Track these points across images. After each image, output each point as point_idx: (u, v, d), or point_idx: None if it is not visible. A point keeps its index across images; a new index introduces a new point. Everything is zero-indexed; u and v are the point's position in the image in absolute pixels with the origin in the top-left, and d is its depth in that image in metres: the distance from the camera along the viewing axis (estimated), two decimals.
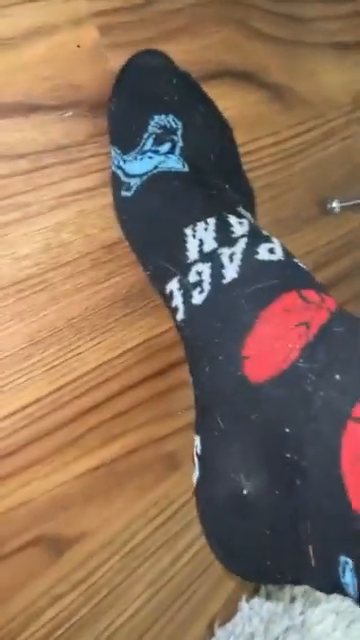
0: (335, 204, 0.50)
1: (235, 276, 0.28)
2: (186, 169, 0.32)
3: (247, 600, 0.48)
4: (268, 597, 0.49)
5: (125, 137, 0.34)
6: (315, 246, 0.50)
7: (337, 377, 0.23)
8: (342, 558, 0.23)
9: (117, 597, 0.38)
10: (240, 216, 0.31)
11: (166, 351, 0.40)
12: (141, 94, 0.34)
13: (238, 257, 0.28)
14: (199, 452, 0.30)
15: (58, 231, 0.34)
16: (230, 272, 0.28)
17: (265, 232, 0.31)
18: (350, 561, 0.23)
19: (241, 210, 0.32)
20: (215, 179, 0.33)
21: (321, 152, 0.50)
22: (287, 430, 0.24)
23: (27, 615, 0.34)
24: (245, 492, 0.26)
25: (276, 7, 0.47)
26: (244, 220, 0.31)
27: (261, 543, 0.27)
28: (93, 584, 0.36)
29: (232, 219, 0.30)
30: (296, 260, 0.29)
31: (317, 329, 0.25)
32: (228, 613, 0.46)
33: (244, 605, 0.47)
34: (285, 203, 0.47)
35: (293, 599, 0.50)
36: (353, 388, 0.22)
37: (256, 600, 0.49)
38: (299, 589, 0.51)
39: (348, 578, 0.23)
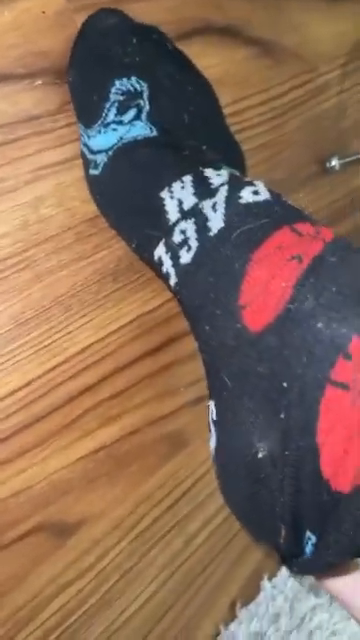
0: (334, 162, 0.47)
1: (222, 225, 0.26)
2: (154, 133, 0.30)
3: (270, 579, 0.46)
4: (291, 575, 0.48)
5: (86, 110, 0.32)
6: (317, 206, 0.48)
7: (319, 325, 0.21)
8: (308, 533, 0.22)
9: (129, 583, 0.37)
10: (218, 168, 0.29)
11: (163, 326, 0.38)
12: (97, 60, 0.32)
13: (221, 205, 0.26)
14: (214, 417, 0.28)
15: (36, 206, 0.32)
16: (216, 222, 0.26)
17: (247, 179, 0.29)
18: (313, 537, 0.22)
19: (222, 166, 0.30)
20: (190, 140, 0.31)
21: (316, 108, 0.48)
22: (285, 385, 0.22)
23: (35, 604, 0.33)
24: (260, 455, 0.24)
25: None
26: (222, 171, 0.29)
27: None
28: (102, 570, 0.35)
29: (209, 172, 0.28)
30: (285, 199, 0.27)
31: (310, 260, 0.23)
32: (250, 593, 0.45)
33: (267, 584, 0.46)
34: (281, 163, 0.44)
35: None
36: (335, 339, 0.20)
37: (279, 578, 0.47)
38: None
39: (311, 555, 0.22)
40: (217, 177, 0.28)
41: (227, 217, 0.26)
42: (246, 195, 0.26)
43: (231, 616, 0.43)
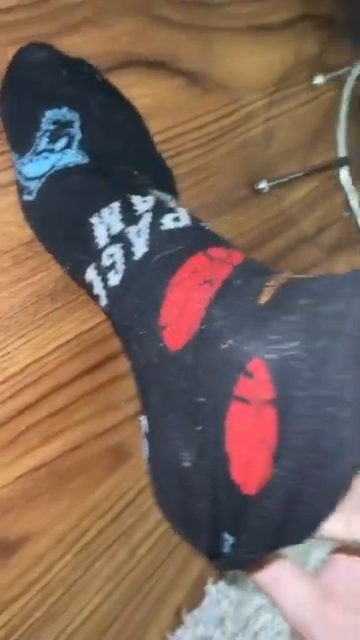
0: (263, 184, 0.51)
1: (145, 250, 0.28)
2: (86, 160, 0.32)
3: (214, 583, 0.48)
4: (235, 579, 0.49)
5: (18, 139, 0.33)
6: (248, 227, 0.51)
7: (225, 345, 0.23)
8: (226, 535, 0.24)
9: (74, 596, 0.37)
10: (145, 194, 0.31)
11: (101, 344, 0.39)
12: (29, 91, 0.33)
13: (145, 232, 0.29)
14: (146, 430, 0.30)
15: None
16: (140, 248, 0.28)
17: (171, 205, 0.31)
18: (231, 538, 0.24)
19: (152, 191, 0.32)
20: (121, 166, 0.33)
21: (245, 134, 0.51)
22: (200, 400, 0.24)
23: None
24: (185, 465, 0.26)
25: None
26: (148, 197, 0.31)
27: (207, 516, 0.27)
28: (47, 584, 0.36)
29: (135, 199, 0.30)
30: (203, 224, 0.30)
31: (220, 284, 0.25)
32: (195, 599, 0.46)
33: (211, 589, 0.47)
34: (212, 187, 0.47)
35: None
36: (237, 358, 0.22)
37: (224, 583, 0.49)
38: None
39: (230, 554, 0.24)
40: (143, 204, 0.30)
41: (150, 242, 0.28)
42: (167, 222, 0.29)
43: (177, 622, 0.44)
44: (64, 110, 0.33)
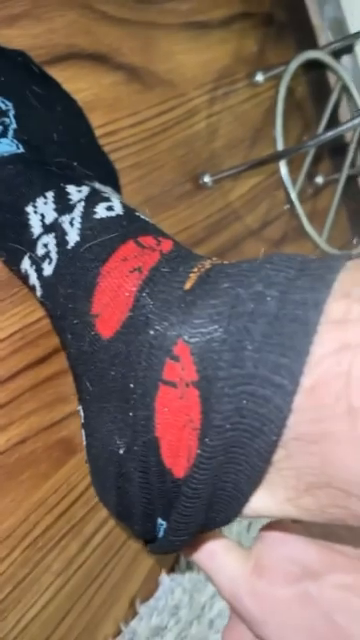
0: (207, 178, 0.52)
1: (77, 239, 0.28)
2: (21, 150, 0.32)
3: (168, 573, 0.48)
4: (188, 568, 0.50)
5: None
6: (192, 222, 0.52)
7: (152, 331, 0.24)
8: (159, 520, 0.25)
9: (23, 591, 0.37)
10: (80, 184, 0.31)
11: (46, 337, 0.39)
12: None
13: (78, 220, 0.29)
14: (83, 420, 0.30)
15: None
16: (72, 236, 0.28)
17: (106, 194, 0.31)
18: (164, 523, 0.25)
19: (90, 183, 0.32)
20: (60, 157, 0.33)
21: (187, 130, 0.52)
22: (131, 386, 0.24)
23: None
24: (120, 452, 0.27)
25: None
26: (83, 187, 0.31)
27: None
28: None
29: (70, 188, 0.30)
30: (138, 213, 0.30)
31: (147, 271, 0.26)
32: (150, 590, 0.47)
33: (165, 578, 0.48)
34: (154, 181, 0.48)
35: None
36: (164, 343, 0.23)
37: (177, 571, 0.50)
38: None
39: (163, 538, 0.25)
40: (77, 193, 0.30)
41: (82, 231, 0.28)
42: (100, 211, 0.29)
43: (132, 613, 0.45)
44: None
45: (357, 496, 0.20)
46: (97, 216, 0.29)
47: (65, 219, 0.29)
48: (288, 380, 0.19)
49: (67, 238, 0.29)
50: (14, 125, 0.32)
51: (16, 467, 0.37)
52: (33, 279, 0.30)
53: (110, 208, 0.29)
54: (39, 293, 0.30)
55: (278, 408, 0.19)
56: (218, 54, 0.57)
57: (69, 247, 0.28)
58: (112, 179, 0.39)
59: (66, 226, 0.29)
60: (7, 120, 0.32)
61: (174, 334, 0.23)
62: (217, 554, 0.27)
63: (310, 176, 0.65)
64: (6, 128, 0.32)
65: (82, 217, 0.29)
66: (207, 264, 0.25)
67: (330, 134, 0.44)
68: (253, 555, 0.27)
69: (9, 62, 0.35)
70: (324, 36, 0.69)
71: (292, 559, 0.26)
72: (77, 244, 0.28)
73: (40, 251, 0.30)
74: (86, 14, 0.44)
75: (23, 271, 0.31)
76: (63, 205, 0.30)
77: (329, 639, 0.24)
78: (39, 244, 0.30)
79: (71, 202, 0.30)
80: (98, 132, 0.42)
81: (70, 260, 0.28)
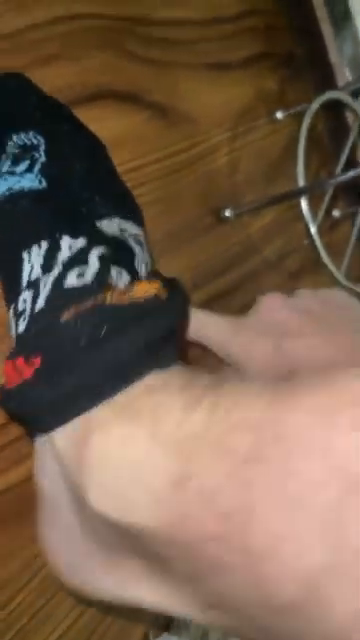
0: (228, 212, 0.53)
1: (42, 306, 0.28)
2: (43, 185, 0.32)
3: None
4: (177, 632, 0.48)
5: None
6: (213, 254, 0.52)
7: None
8: None
9: (39, 622, 0.37)
10: (78, 235, 0.30)
11: None
12: None
13: (49, 285, 0.28)
14: None
15: None
16: (40, 302, 0.28)
17: (97, 251, 0.30)
18: None
19: (113, 217, 0.33)
20: (82, 192, 0.33)
21: (209, 165, 0.53)
22: None
23: None
24: None
25: (151, 32, 0.50)
26: (80, 239, 0.30)
27: None
28: (13, 611, 0.36)
29: (65, 241, 0.30)
30: (112, 270, 0.30)
31: None
32: (165, 622, 0.46)
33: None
34: (177, 215, 0.49)
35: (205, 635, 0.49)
36: None
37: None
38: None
39: None
40: (66, 250, 0.29)
41: (47, 298, 0.28)
42: (70, 279, 0.28)
43: None
44: (31, 134, 0.33)
45: None
46: (66, 284, 0.28)
47: (44, 279, 0.28)
48: None
49: (37, 301, 0.28)
50: (43, 159, 0.32)
51: (33, 499, 0.37)
52: (13, 332, 0.30)
53: (81, 275, 0.28)
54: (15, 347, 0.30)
55: None
56: (240, 92, 0.59)
57: (35, 312, 0.28)
58: (133, 212, 0.38)
59: (41, 288, 0.28)
60: (36, 154, 0.32)
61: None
62: (206, 323, 0.36)
63: (327, 210, 0.66)
64: (34, 162, 0.32)
65: (53, 282, 0.28)
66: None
67: (351, 174, 0.45)
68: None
69: (44, 100, 0.36)
70: (342, 74, 0.71)
71: (275, 322, 0.34)
72: (40, 311, 0.28)
73: (20, 306, 0.29)
74: (117, 54, 0.46)
75: (7, 319, 0.31)
76: (49, 262, 0.29)
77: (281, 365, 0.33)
78: (20, 299, 0.29)
79: (55, 260, 0.29)
80: (124, 167, 0.43)
81: (33, 325, 0.28)
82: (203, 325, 0.36)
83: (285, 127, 0.63)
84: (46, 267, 0.29)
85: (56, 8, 0.42)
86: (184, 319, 0.36)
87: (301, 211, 0.55)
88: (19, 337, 0.29)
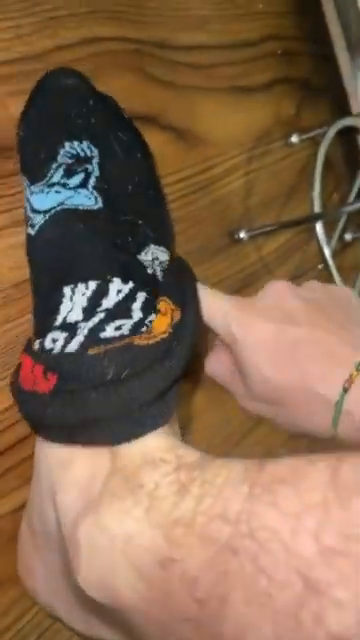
0: (243, 234, 0.53)
1: (74, 350, 0.27)
2: (98, 205, 0.31)
3: None
4: None
5: (33, 166, 0.32)
6: (227, 274, 0.53)
7: None
8: None
9: None
10: (128, 279, 0.30)
11: None
12: (52, 118, 0.32)
13: (85, 331, 0.28)
14: None
15: None
16: (72, 345, 0.28)
17: (141, 297, 0.29)
18: None
19: (150, 251, 0.32)
20: (129, 214, 0.32)
21: (226, 187, 0.53)
22: None
23: None
24: None
25: (172, 55, 0.50)
26: (129, 284, 0.30)
27: None
28: (20, 630, 0.35)
29: (115, 283, 0.29)
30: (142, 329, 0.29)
31: None
32: None
33: None
34: (194, 235, 0.49)
35: None
36: None
37: None
38: None
39: None
40: (113, 295, 0.29)
41: (80, 344, 0.27)
42: (109, 330, 0.28)
43: None
44: (85, 144, 0.32)
45: None
46: (103, 335, 0.28)
47: (82, 325, 0.28)
48: None
49: (69, 345, 0.27)
50: (96, 173, 0.31)
51: None
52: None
53: (119, 328, 0.28)
54: None
55: None
56: (257, 116, 0.60)
57: (65, 352, 0.27)
58: (169, 239, 0.38)
59: (77, 332, 0.28)
60: (90, 167, 0.31)
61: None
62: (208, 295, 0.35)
63: (340, 234, 0.67)
64: (88, 176, 0.31)
65: (90, 330, 0.28)
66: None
67: None
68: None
69: (101, 103, 0.34)
70: (357, 100, 0.72)
71: (281, 308, 0.34)
72: (70, 352, 0.27)
73: (47, 344, 0.28)
74: (139, 78, 0.47)
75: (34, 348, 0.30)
76: (93, 308, 0.28)
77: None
78: (50, 336, 0.28)
79: (100, 307, 0.28)
80: None
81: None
82: (208, 302, 0.35)
83: (299, 151, 0.64)
84: (88, 313, 0.28)
85: (82, 31, 0.43)
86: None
87: (314, 234, 0.55)
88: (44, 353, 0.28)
